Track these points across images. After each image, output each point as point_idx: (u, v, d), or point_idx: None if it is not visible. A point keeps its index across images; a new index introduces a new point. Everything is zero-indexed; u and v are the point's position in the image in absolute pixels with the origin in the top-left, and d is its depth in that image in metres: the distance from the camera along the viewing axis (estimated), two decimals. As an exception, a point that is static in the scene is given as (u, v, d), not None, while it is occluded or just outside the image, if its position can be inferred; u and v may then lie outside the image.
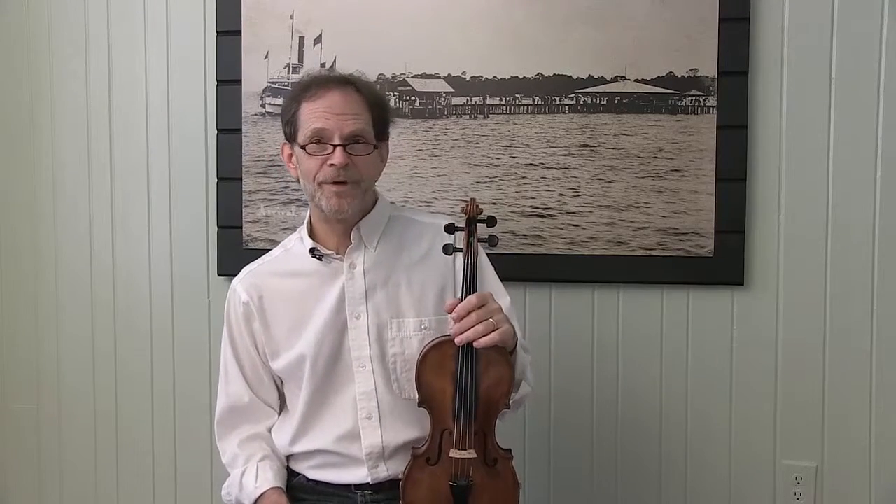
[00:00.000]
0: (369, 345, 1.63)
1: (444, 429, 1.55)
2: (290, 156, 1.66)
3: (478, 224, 1.58)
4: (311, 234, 1.69)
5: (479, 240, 1.57)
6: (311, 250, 1.66)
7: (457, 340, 1.48)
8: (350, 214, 1.61)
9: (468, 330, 1.47)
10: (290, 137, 1.64)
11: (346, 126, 1.56)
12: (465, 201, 1.61)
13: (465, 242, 1.56)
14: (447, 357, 1.53)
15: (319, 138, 1.57)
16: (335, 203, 1.58)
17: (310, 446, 1.67)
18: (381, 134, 1.65)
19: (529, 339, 2.06)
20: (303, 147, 1.59)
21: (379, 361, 1.63)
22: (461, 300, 1.50)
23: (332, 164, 1.56)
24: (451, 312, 1.50)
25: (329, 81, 1.61)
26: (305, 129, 1.58)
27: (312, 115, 1.58)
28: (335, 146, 1.56)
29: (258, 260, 1.77)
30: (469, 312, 1.47)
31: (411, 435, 1.62)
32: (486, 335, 1.46)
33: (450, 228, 1.58)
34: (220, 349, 1.75)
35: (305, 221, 1.71)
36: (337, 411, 1.65)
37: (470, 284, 1.53)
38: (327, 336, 1.64)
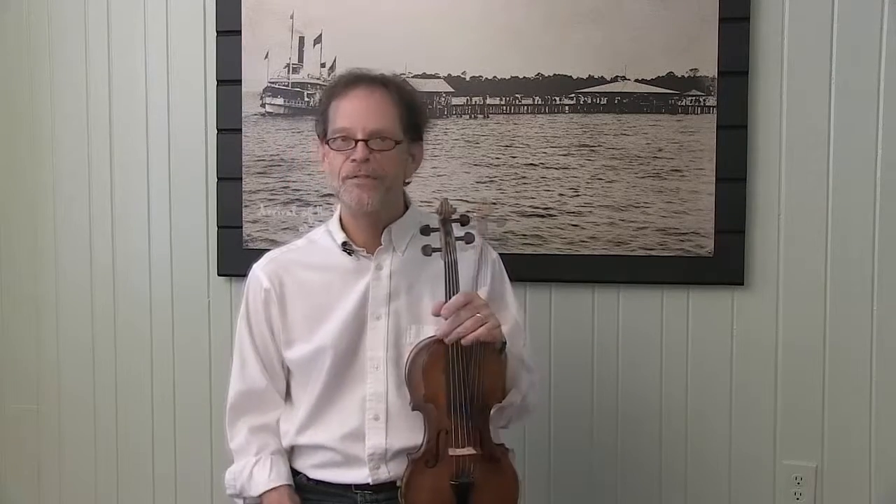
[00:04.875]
0: (386, 347, 1.64)
1: (440, 429, 1.55)
2: (325, 154, 1.67)
3: (453, 223, 1.60)
4: (342, 230, 1.70)
5: (457, 238, 1.59)
6: (344, 244, 1.67)
7: (446, 340, 1.50)
8: (372, 209, 1.61)
9: (458, 327, 1.49)
10: (321, 135, 1.66)
11: (368, 123, 1.58)
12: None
13: (442, 242, 1.58)
14: (437, 357, 1.54)
15: (344, 135, 1.59)
16: (356, 195, 1.59)
17: (314, 440, 1.67)
18: (412, 132, 1.65)
19: (529, 338, 2.07)
20: (328, 143, 1.62)
21: (394, 364, 1.64)
22: (446, 300, 1.52)
23: (353, 160, 1.58)
24: (437, 314, 1.52)
25: (357, 80, 1.63)
26: (332, 127, 1.61)
27: (338, 113, 1.61)
28: (357, 142, 1.58)
29: (281, 248, 1.78)
30: (456, 311, 1.50)
31: (415, 441, 1.61)
32: (474, 331, 1.49)
33: (425, 230, 1.60)
34: (236, 334, 1.74)
35: (336, 217, 1.72)
36: (345, 409, 1.65)
37: (452, 283, 1.54)
38: (346, 332, 1.64)
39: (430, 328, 1.62)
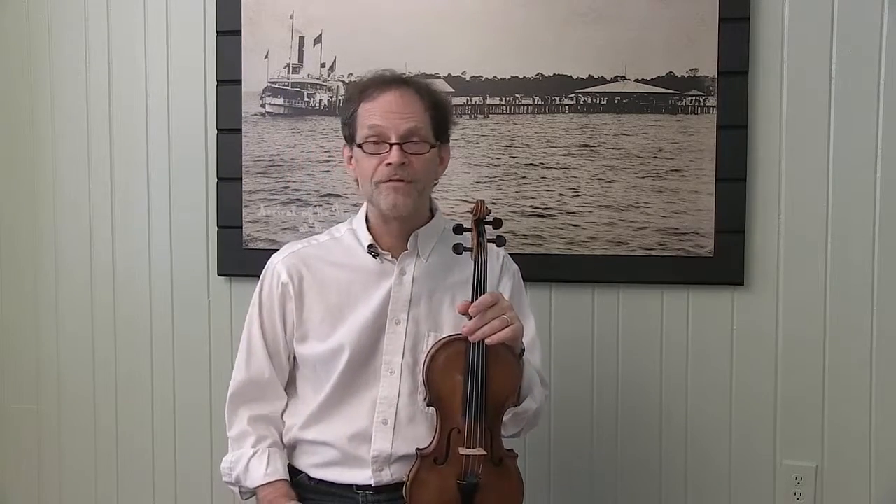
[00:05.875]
0: (403, 352, 1.64)
1: (452, 427, 1.56)
2: (350, 157, 1.67)
3: (485, 225, 1.60)
4: (368, 231, 1.69)
5: (489, 240, 1.60)
6: (370, 247, 1.67)
7: (471, 338, 1.49)
8: (406, 213, 1.62)
9: (484, 326, 1.48)
10: (349, 139, 1.65)
11: (402, 124, 1.58)
12: (472, 202, 1.63)
13: (473, 243, 1.58)
14: (457, 355, 1.54)
15: (377, 137, 1.59)
16: (391, 199, 1.59)
17: (320, 437, 1.67)
18: (441, 135, 1.66)
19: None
20: (360, 146, 1.61)
21: (409, 370, 1.64)
22: (472, 300, 1.51)
23: (388, 163, 1.57)
24: (464, 313, 1.51)
25: (387, 82, 1.62)
26: (363, 129, 1.60)
27: (369, 115, 1.60)
28: (392, 145, 1.57)
29: (302, 241, 1.77)
30: (483, 310, 1.49)
31: (421, 447, 1.60)
32: (500, 332, 1.48)
33: (458, 229, 1.61)
34: (246, 322, 1.74)
35: (362, 217, 1.71)
36: (354, 410, 1.65)
37: (480, 283, 1.54)
38: (365, 334, 1.64)
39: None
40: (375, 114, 1.59)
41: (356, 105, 1.63)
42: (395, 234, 1.67)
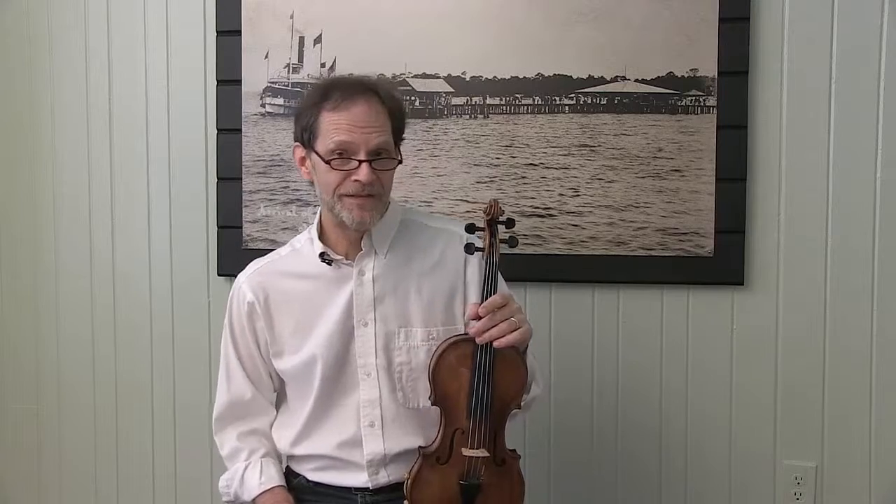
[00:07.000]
0: (375, 353, 1.62)
1: (456, 428, 1.55)
2: (304, 159, 1.64)
3: (498, 225, 1.59)
4: (322, 237, 1.67)
5: (501, 241, 1.58)
6: (321, 255, 1.64)
7: (479, 339, 1.49)
8: (373, 225, 1.60)
9: (492, 328, 1.48)
10: (307, 142, 1.60)
11: (371, 140, 1.53)
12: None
13: (486, 243, 1.57)
14: (465, 356, 1.54)
15: (343, 151, 1.54)
16: (358, 215, 1.56)
17: (311, 450, 1.67)
18: (398, 141, 1.63)
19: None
20: (325, 160, 1.55)
21: (385, 370, 1.62)
22: (481, 301, 1.50)
23: (356, 180, 1.53)
24: (474, 318, 1.50)
25: (353, 91, 1.56)
26: (327, 141, 1.54)
27: (335, 127, 1.54)
28: (360, 161, 1.53)
29: (266, 257, 1.75)
30: (493, 311, 1.48)
31: (413, 444, 1.61)
32: (508, 335, 1.48)
33: (470, 228, 1.59)
34: (221, 344, 1.74)
35: (315, 223, 1.69)
36: (340, 417, 1.64)
37: (490, 285, 1.53)
38: (335, 341, 1.63)
39: (419, 330, 1.62)
40: (342, 127, 1.53)
41: (318, 110, 1.56)
42: (351, 237, 1.63)
